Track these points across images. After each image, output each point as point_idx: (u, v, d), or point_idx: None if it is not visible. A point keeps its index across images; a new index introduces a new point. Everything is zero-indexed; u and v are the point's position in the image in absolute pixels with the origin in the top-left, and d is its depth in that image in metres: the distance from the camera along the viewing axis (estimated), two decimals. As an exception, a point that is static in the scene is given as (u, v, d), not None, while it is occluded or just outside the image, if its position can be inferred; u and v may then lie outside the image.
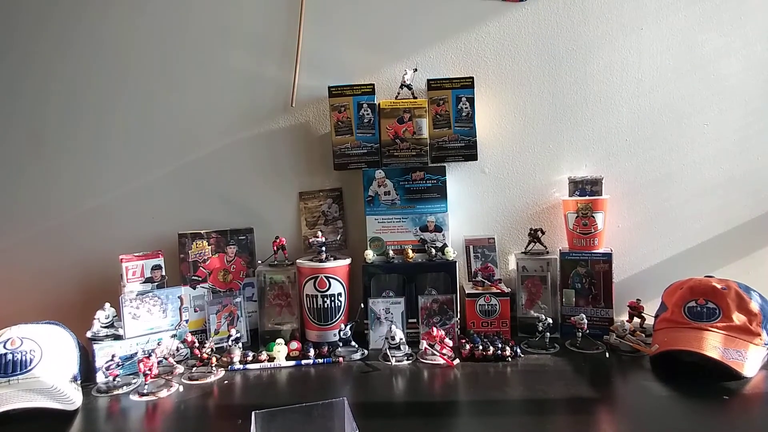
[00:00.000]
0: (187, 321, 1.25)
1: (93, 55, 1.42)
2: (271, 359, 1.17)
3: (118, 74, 1.42)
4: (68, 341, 1.09)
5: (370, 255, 1.30)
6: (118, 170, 1.44)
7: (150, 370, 1.03)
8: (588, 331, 1.17)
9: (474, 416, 0.91)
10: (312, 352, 1.18)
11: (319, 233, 1.32)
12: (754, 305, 1.03)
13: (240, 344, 1.20)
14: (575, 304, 1.28)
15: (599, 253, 1.27)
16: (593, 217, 1.27)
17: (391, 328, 1.16)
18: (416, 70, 1.34)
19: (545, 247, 1.34)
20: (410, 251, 1.30)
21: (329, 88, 1.34)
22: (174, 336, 1.18)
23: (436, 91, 1.32)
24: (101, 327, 1.17)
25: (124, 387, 1.06)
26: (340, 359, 1.16)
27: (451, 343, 1.14)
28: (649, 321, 1.20)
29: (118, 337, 1.15)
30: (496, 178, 1.41)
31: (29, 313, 1.24)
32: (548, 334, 1.18)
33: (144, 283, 1.26)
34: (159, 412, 0.96)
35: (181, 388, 1.05)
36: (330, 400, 0.84)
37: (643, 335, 1.17)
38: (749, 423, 0.86)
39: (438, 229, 1.33)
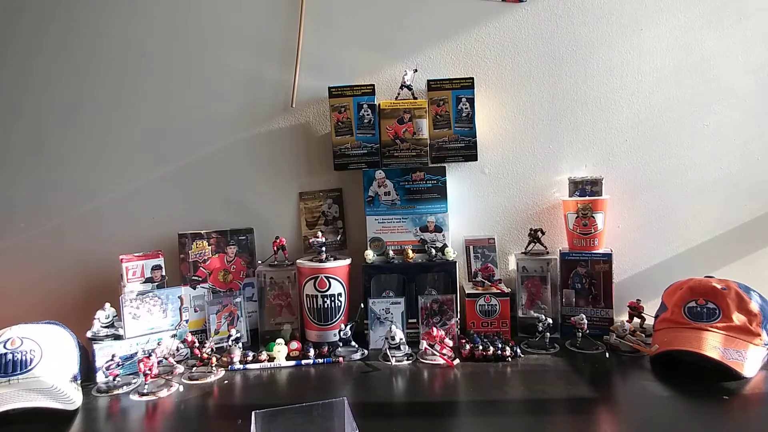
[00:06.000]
0: (187, 321, 1.25)
1: (93, 55, 1.42)
2: (271, 359, 1.17)
3: (118, 74, 1.42)
4: (68, 341, 1.09)
5: (370, 255, 1.30)
6: (118, 170, 1.44)
7: (150, 370, 1.03)
8: (588, 331, 1.17)
9: (474, 416, 0.91)
10: (312, 352, 1.18)
11: (319, 233, 1.32)
12: (754, 305, 1.04)
13: (240, 344, 1.19)
14: (575, 304, 1.28)
15: (599, 254, 1.27)
16: (593, 217, 1.27)
17: (391, 328, 1.16)
18: (416, 70, 1.34)
19: (545, 247, 1.34)
20: (410, 251, 1.30)
21: (329, 88, 1.34)
22: (174, 336, 1.18)
23: (436, 92, 1.32)
24: (101, 327, 1.17)
25: (124, 387, 1.06)
26: (340, 359, 1.16)
27: (451, 343, 1.14)
28: (649, 321, 1.20)
29: (118, 337, 1.15)
30: (496, 178, 1.41)
31: (29, 312, 1.25)
32: (548, 334, 1.18)
33: (144, 283, 1.27)
34: (159, 412, 0.96)
35: (181, 388, 1.05)
36: (330, 400, 0.84)
37: (643, 335, 1.17)
38: (749, 423, 0.86)
39: (438, 229, 1.33)
